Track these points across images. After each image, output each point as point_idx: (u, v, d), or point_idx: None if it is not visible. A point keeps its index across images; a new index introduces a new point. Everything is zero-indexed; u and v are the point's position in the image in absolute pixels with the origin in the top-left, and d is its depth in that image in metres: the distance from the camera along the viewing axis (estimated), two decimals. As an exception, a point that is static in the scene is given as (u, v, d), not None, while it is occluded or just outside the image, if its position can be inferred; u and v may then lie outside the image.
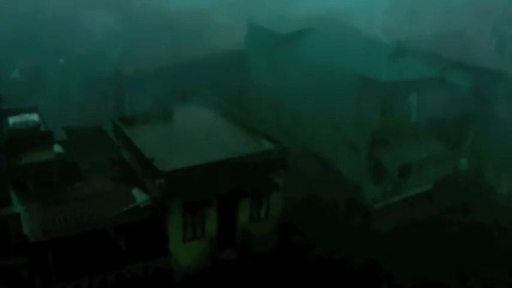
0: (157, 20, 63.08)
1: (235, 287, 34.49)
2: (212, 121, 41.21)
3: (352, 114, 43.21)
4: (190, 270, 34.61)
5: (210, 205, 34.05)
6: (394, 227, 41.48)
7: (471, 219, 43.53)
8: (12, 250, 29.34)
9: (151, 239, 32.89)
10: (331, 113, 44.52)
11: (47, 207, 31.38)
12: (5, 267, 29.00)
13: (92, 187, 34.06)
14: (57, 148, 36.37)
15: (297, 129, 47.82)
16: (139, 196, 33.12)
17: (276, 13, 58.71)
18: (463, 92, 47.57)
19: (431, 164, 46.25)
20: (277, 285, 35.16)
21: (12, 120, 36.05)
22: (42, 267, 30.06)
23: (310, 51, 48.10)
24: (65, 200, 32.24)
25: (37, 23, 59.69)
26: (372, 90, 41.71)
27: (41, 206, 31.43)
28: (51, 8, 61.46)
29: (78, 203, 31.98)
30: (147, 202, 32.65)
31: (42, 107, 39.53)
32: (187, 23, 63.66)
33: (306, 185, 40.84)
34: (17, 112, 37.46)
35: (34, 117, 36.99)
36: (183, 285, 34.27)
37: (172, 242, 33.76)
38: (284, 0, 65.84)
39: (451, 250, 39.25)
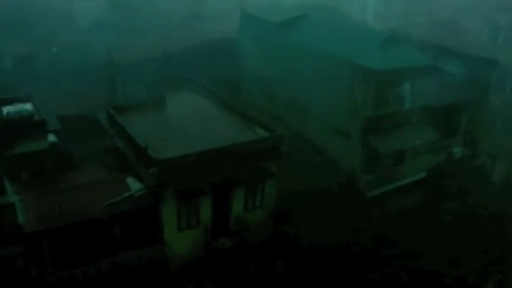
0: (149, 6, 62.91)
1: (230, 275, 34.61)
2: (205, 109, 41.11)
3: (345, 101, 43.21)
4: (185, 258, 34.68)
5: (204, 194, 34.06)
6: (388, 215, 41.63)
7: (465, 207, 43.77)
8: (7, 240, 29.32)
9: (146, 228, 32.91)
10: (324, 100, 44.53)
11: (41, 196, 31.31)
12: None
13: (86, 176, 34.03)
14: (51, 137, 36.21)
15: (289, 116, 47.81)
16: (134, 185, 33.10)
17: (269, 0, 58.61)
18: (456, 79, 47.69)
19: (425, 152, 46.41)
20: (272, 273, 35.32)
21: (6, 109, 35.92)
22: (37, 257, 30.05)
23: (303, 38, 47.93)
24: (59, 190, 32.16)
25: (27, 11, 59.37)
26: (365, 78, 41.72)
27: (36, 195, 31.36)
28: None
29: (73, 192, 31.93)
30: (142, 191, 32.64)
31: (35, 96, 39.36)
32: (179, 10, 63.53)
33: (300, 173, 40.82)
34: (10, 101, 37.33)
35: (28, 106, 36.85)
36: (178, 273, 34.34)
37: (167, 231, 33.78)
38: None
39: (445, 237, 39.48)
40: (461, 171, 47.76)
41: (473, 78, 47.92)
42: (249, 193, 36.59)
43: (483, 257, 37.94)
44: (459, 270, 36.88)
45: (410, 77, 43.33)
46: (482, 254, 38.13)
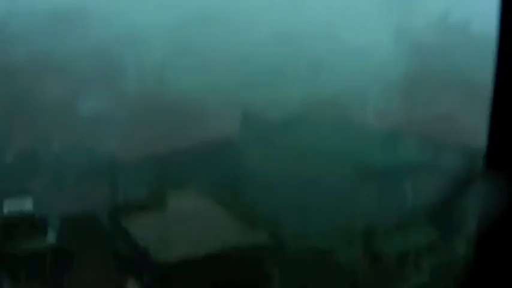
0: (152, 104, 63.82)
1: None
2: (207, 210, 40.95)
3: (348, 202, 43.14)
4: None
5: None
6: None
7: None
8: None
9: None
10: (327, 201, 44.43)
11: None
12: None
13: (85, 279, 33.40)
14: (51, 236, 35.84)
15: (292, 217, 47.50)
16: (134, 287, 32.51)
17: (270, 99, 59.64)
18: (458, 175, 47.67)
19: (428, 252, 45.84)
20: None
21: (6, 205, 35.74)
22: None
23: (304, 138, 48.42)
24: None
25: (32, 105, 60.15)
26: (367, 177, 41.87)
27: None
28: (46, 90, 62.13)
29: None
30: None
31: (36, 193, 39.26)
32: (182, 109, 64.42)
33: (301, 276, 40.21)
34: (11, 197, 37.19)
35: (28, 203, 36.68)
36: None
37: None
38: (276, 85, 67.16)
39: None
40: (465, 271, 46.90)
41: (473, 173, 47.92)
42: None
43: None
44: None
45: (412, 175, 43.44)
46: None
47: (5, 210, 35.21)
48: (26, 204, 36.12)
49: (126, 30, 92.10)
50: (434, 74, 68.17)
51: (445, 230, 46.18)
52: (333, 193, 43.95)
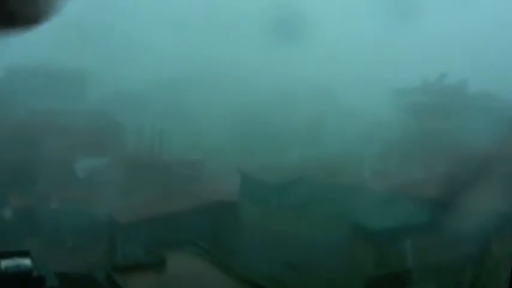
0: (149, 166, 64.18)
1: None
2: (205, 272, 40.84)
3: (346, 263, 43.06)
4: None
5: None
6: None
7: None
8: None
9: None
10: (326, 262, 44.31)
11: None
12: None
13: None
14: (49, 295, 35.58)
15: (291, 280, 47.26)
16: None
17: (267, 162, 60.11)
18: (457, 234, 47.54)
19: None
20: None
21: (4, 263, 35.52)
22: None
23: (302, 200, 48.59)
24: None
25: (32, 162, 60.56)
26: (366, 238, 41.91)
27: None
28: (45, 149, 62.66)
29: None
30: None
31: (34, 251, 39.12)
32: (180, 170, 64.73)
33: None
34: (9, 255, 36.99)
35: (26, 261, 36.48)
36: None
37: None
38: (274, 147, 67.79)
39: None
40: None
41: (474, 231, 47.80)
42: None
43: None
44: None
45: (411, 235, 43.44)
46: None
47: (2, 267, 34.95)
48: (24, 262, 35.88)
49: (124, 90, 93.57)
50: (431, 133, 68.81)
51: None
52: (330, 254, 43.92)
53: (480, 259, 47.90)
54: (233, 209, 53.00)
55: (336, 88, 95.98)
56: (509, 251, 49.56)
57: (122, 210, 52.40)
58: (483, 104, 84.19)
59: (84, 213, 53.73)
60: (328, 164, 56.77)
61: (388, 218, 42.78)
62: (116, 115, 79.79)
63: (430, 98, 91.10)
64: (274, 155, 63.35)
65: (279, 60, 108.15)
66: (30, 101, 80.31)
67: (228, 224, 49.79)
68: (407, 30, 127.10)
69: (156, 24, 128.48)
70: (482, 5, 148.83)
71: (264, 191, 51.36)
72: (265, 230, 50.32)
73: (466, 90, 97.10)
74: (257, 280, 39.01)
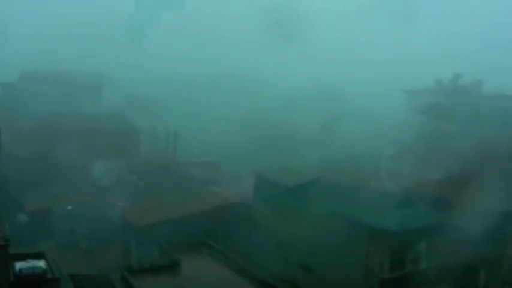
0: (165, 169, 64.26)
1: None
2: (220, 274, 40.82)
3: (362, 264, 42.77)
4: None
5: None
6: None
7: None
8: None
9: None
10: (341, 263, 44.02)
11: None
12: None
13: None
14: (63, 297, 35.61)
15: (306, 281, 47.00)
16: None
17: (283, 162, 59.89)
18: (472, 236, 47.07)
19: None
20: None
21: (19, 265, 35.59)
22: None
23: (317, 202, 48.34)
24: None
25: (47, 168, 60.75)
26: (381, 240, 41.61)
27: None
28: (61, 153, 62.89)
29: None
30: None
31: (48, 253, 39.17)
32: (196, 173, 64.78)
33: None
34: (24, 257, 37.05)
35: (41, 263, 36.54)
36: None
37: None
38: (290, 148, 67.61)
39: None
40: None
41: (489, 233, 47.35)
42: None
43: None
44: None
45: (425, 236, 43.11)
46: None
47: (18, 269, 35.00)
48: (38, 264, 35.94)
49: (139, 93, 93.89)
50: (446, 134, 68.35)
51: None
52: (345, 255, 43.66)
53: (496, 260, 47.49)
54: (248, 211, 52.86)
55: (350, 89, 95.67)
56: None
57: (138, 212, 52.42)
58: (497, 104, 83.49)
59: (100, 215, 53.80)
60: (344, 166, 56.57)
61: (403, 219, 42.40)
62: (132, 118, 79.95)
63: (445, 98, 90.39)
64: (291, 157, 63.06)
65: (293, 63, 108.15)
66: (46, 105, 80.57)
67: (243, 225, 49.59)
68: (419, 31, 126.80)
69: (171, 30, 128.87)
70: (496, 4, 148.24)
71: (279, 192, 51.15)
72: (281, 231, 50.12)
73: (480, 90, 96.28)
74: (272, 281, 38.87)
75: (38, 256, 37.77)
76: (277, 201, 51.44)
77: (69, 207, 56.59)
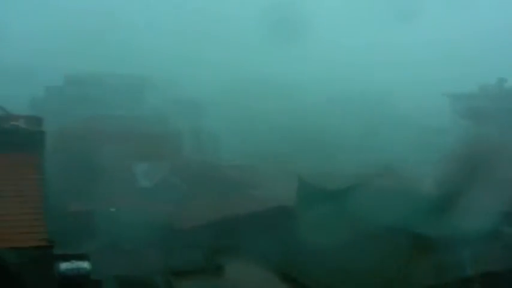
0: (206, 171, 64.54)
1: None
2: (262, 278, 40.76)
3: (405, 271, 42.25)
4: None
5: None
6: None
7: None
8: None
9: None
10: (383, 270, 43.58)
11: None
12: None
13: None
14: (108, 298, 35.89)
15: (346, 287, 46.62)
16: None
17: (324, 166, 59.72)
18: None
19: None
20: None
21: (62, 266, 35.92)
22: None
23: (359, 207, 48.00)
24: None
25: (90, 168, 61.49)
26: (424, 246, 41.08)
27: None
28: (104, 155, 63.57)
29: None
30: None
31: (92, 254, 39.50)
32: (235, 176, 64.96)
33: None
34: (67, 258, 37.39)
35: (85, 264, 36.84)
36: None
37: None
38: (330, 152, 67.37)
39: None
40: None
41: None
42: None
43: None
44: None
45: (471, 243, 42.40)
46: None
47: (62, 269, 35.32)
48: (83, 265, 36.23)
49: (182, 97, 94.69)
50: (491, 139, 67.23)
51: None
52: (387, 261, 43.21)
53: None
54: (290, 215, 52.71)
55: (391, 93, 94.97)
56: None
57: (181, 215, 52.71)
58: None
59: (143, 217, 54.14)
60: (387, 170, 56.07)
61: (446, 225, 41.82)
62: (174, 121, 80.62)
63: (489, 103, 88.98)
64: (332, 161, 62.87)
65: (334, 65, 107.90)
66: (91, 108, 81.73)
67: (285, 229, 49.43)
68: (462, 32, 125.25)
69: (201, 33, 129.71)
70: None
71: (320, 196, 50.91)
72: (322, 236, 49.85)
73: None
74: (313, 286, 38.67)
75: (82, 257, 38.09)
76: (319, 205, 51.19)
77: (112, 209, 57.11)
